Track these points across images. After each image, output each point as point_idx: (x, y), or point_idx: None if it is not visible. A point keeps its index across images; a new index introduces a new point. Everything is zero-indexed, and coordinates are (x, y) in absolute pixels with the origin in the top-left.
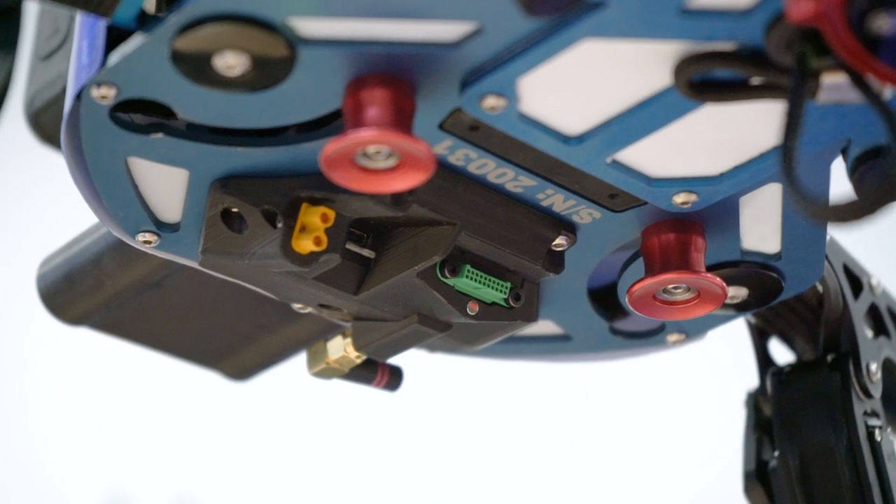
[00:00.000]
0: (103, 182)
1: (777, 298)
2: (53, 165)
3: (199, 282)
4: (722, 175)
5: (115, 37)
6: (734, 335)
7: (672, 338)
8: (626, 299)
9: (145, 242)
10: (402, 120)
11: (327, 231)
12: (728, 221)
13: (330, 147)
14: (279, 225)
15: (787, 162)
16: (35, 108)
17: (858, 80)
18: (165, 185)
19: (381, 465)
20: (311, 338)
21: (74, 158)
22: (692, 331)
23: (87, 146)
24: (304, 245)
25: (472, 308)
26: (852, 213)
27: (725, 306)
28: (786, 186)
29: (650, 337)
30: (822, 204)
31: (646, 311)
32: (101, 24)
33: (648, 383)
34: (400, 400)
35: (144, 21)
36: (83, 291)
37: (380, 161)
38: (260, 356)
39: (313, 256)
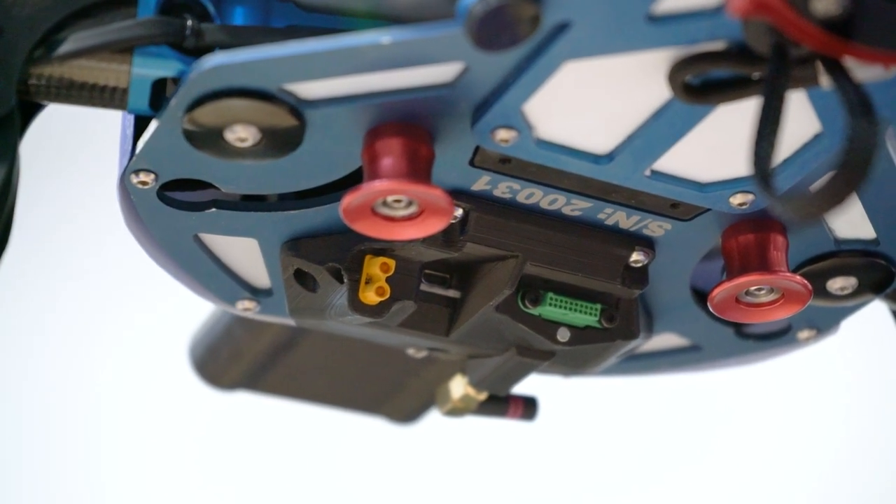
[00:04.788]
0: (183, 260)
1: (892, 283)
2: None
3: (327, 335)
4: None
5: (146, 123)
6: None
7: (803, 335)
8: (709, 304)
9: (245, 310)
10: (414, 167)
11: (391, 280)
12: None
13: (346, 200)
14: (346, 280)
15: (757, 158)
16: None
17: (829, 64)
18: (244, 253)
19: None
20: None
21: (148, 243)
22: (823, 324)
23: (153, 230)
24: (370, 297)
25: (563, 334)
26: (817, 204)
27: (839, 298)
28: (755, 183)
29: (780, 337)
30: (788, 197)
31: (731, 315)
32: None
33: (803, 380)
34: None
35: (159, 105)
36: (225, 360)
37: (401, 209)
38: (415, 398)
39: (383, 306)
